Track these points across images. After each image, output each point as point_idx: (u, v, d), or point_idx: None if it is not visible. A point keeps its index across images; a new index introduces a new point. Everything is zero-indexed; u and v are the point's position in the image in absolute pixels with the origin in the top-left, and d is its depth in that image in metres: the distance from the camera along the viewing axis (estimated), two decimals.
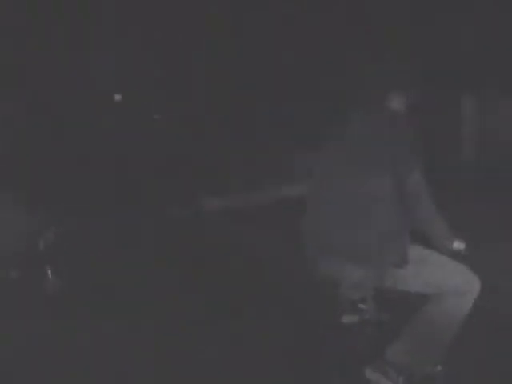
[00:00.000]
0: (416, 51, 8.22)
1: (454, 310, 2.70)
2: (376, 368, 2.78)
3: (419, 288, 2.74)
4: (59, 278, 4.87)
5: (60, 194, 6.17)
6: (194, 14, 9.24)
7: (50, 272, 4.88)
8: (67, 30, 8.56)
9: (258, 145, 9.27)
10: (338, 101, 3.20)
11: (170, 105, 9.58)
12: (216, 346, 3.76)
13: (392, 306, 2.97)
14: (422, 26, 9.33)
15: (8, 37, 8.39)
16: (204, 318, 4.19)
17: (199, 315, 4.24)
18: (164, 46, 9.45)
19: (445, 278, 2.72)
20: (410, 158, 2.72)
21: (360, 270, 2.73)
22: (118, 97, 9.08)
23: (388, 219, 2.70)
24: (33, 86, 8.44)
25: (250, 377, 3.34)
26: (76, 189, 7.13)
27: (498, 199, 6.24)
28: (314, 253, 2.89)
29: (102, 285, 4.92)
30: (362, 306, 2.83)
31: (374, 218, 2.70)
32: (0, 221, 4.74)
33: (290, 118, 9.57)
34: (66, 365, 3.60)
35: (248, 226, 6.73)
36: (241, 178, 8.52)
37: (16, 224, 4.80)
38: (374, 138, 2.77)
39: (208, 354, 3.65)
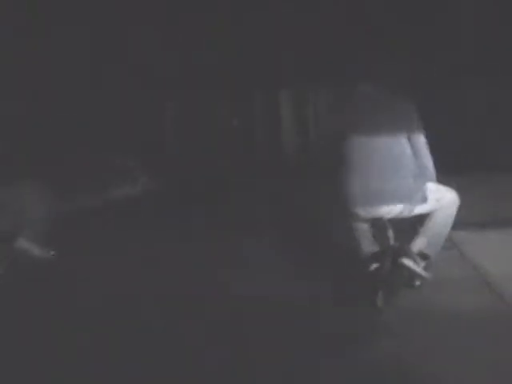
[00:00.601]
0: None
1: (450, 214, 4.14)
2: (409, 256, 3.97)
3: (429, 208, 4.08)
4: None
5: None
6: None
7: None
8: None
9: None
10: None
11: None
12: None
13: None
14: None
15: None
16: None
17: None
18: None
19: (443, 196, 4.11)
20: (417, 125, 4.04)
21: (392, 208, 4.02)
22: None
23: (413, 169, 3.99)
24: None
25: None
26: None
27: None
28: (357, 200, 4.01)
29: None
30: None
31: (405, 169, 3.98)
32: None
33: None
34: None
35: None
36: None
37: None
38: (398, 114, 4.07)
39: None
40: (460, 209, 4.24)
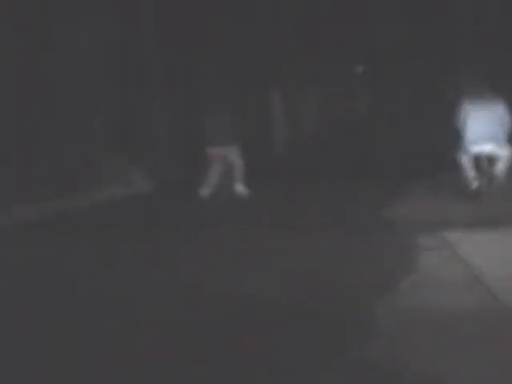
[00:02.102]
0: None
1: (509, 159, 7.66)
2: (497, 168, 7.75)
3: (505, 150, 7.68)
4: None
5: None
6: None
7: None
8: None
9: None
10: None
11: None
12: None
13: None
14: None
15: None
16: None
17: None
18: None
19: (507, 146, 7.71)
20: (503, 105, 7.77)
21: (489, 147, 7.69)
22: None
23: (500, 128, 7.63)
24: None
25: None
26: None
27: None
28: (470, 142, 7.71)
29: None
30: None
31: (497, 127, 7.63)
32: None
33: None
34: None
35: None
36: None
37: None
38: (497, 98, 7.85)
39: None
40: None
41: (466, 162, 7.74)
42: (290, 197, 9.12)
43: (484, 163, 7.76)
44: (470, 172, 7.71)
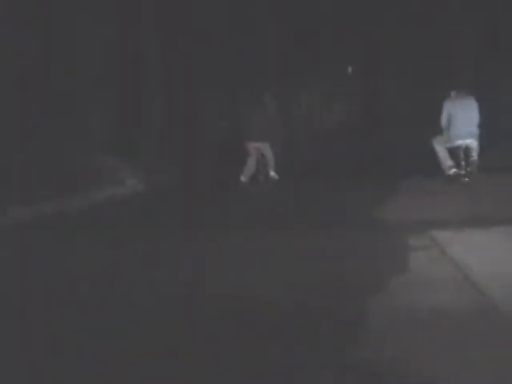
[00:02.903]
0: None
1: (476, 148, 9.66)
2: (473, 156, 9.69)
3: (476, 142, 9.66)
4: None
5: None
6: None
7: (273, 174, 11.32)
8: None
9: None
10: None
11: None
12: None
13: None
14: None
15: None
16: None
17: None
18: None
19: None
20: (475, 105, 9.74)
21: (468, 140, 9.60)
22: None
23: (475, 123, 9.54)
24: None
25: None
26: None
27: None
28: (453, 136, 9.55)
29: None
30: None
31: (473, 123, 9.56)
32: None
33: None
34: None
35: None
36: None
37: None
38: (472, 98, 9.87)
39: None
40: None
41: (443, 152, 9.39)
42: (290, 197, 9.15)
43: (461, 153, 9.50)
44: (449, 162, 9.41)
